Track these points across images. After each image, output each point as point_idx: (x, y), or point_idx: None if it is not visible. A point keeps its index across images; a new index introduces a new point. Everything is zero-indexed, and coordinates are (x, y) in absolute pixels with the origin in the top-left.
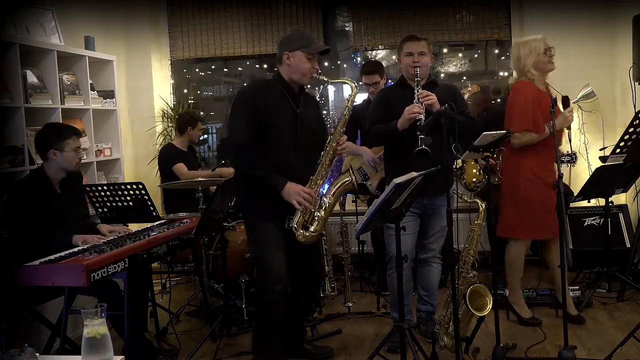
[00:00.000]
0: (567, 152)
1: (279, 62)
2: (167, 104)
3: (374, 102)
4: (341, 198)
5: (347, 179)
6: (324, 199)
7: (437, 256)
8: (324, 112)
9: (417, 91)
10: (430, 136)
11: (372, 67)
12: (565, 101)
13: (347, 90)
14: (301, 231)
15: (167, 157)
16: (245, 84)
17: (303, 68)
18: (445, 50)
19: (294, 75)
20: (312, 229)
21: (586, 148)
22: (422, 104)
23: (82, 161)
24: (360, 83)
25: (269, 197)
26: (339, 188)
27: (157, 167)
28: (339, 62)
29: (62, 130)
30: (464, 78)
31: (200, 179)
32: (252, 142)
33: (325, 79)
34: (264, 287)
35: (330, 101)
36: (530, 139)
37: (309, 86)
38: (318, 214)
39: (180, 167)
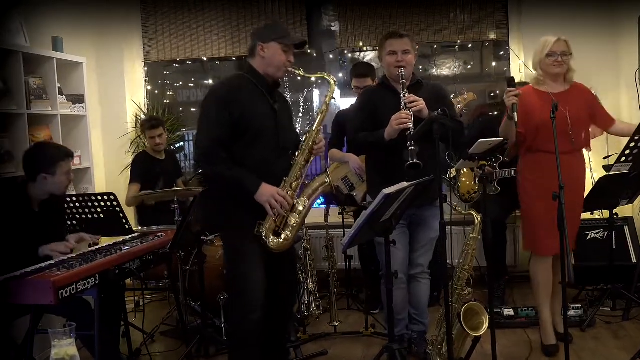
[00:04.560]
0: None
1: (251, 54)
2: (141, 109)
3: (357, 106)
4: (325, 209)
5: (325, 180)
6: (299, 202)
7: (426, 271)
8: (308, 116)
9: (404, 96)
10: (417, 143)
11: (364, 70)
12: (510, 82)
13: (334, 93)
14: (272, 238)
15: (133, 168)
16: (216, 81)
17: (278, 60)
18: (438, 52)
19: (268, 68)
20: (284, 235)
21: (589, 156)
22: (409, 111)
23: None
24: (352, 88)
25: (246, 208)
26: (315, 191)
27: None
28: (324, 64)
29: (54, 153)
30: (458, 81)
31: (141, 195)
32: (225, 141)
33: (301, 73)
34: (240, 313)
35: (315, 106)
36: (503, 128)
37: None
38: (292, 218)
39: (130, 188)
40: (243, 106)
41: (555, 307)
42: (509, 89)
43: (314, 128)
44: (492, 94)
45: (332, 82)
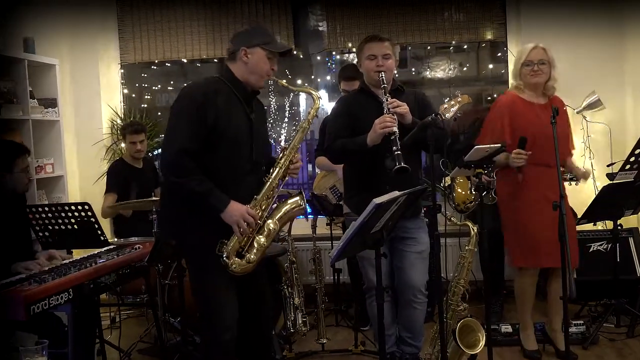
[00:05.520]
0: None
1: (231, 58)
2: (117, 113)
3: (334, 113)
4: (312, 224)
5: (299, 203)
6: (268, 223)
7: (423, 293)
8: (294, 122)
9: (386, 100)
10: (402, 150)
11: (353, 73)
12: (521, 143)
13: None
14: (235, 259)
15: (109, 176)
16: (189, 83)
17: (261, 68)
18: (432, 53)
19: (250, 75)
20: (249, 257)
21: (592, 164)
22: (393, 114)
23: None
24: (340, 91)
25: (211, 224)
26: (286, 213)
27: None
28: (311, 66)
29: (8, 149)
30: (453, 84)
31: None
32: (195, 149)
33: (285, 85)
34: (211, 337)
35: (301, 111)
36: (498, 159)
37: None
38: (258, 240)
39: (106, 198)
40: (218, 113)
41: (556, 323)
42: (519, 149)
43: (292, 146)
44: (489, 98)
45: (317, 98)
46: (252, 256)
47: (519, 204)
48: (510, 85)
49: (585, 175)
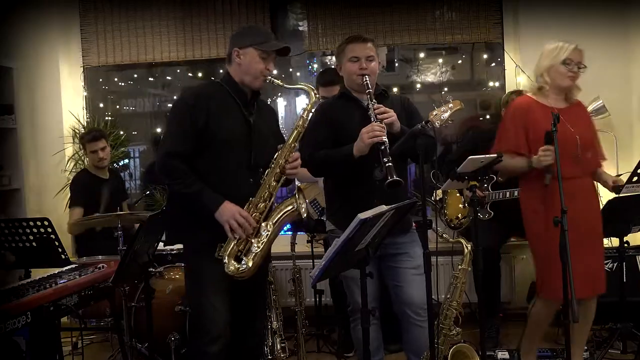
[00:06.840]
0: None
1: (228, 60)
2: (79, 121)
3: (314, 120)
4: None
5: (292, 205)
6: (263, 226)
7: (424, 308)
8: None
9: (372, 107)
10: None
11: (332, 77)
12: (548, 137)
13: (300, 103)
14: (233, 263)
15: (74, 189)
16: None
17: (255, 69)
18: (422, 55)
19: (244, 76)
20: (244, 262)
21: None
22: (381, 123)
23: None
24: (319, 98)
25: (206, 226)
26: (282, 215)
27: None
28: (290, 70)
29: None
30: (445, 89)
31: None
32: (185, 152)
33: (280, 84)
34: (197, 345)
35: (280, 117)
36: (515, 166)
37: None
38: (255, 244)
39: (72, 213)
40: (209, 116)
41: (577, 355)
42: (546, 146)
43: (287, 144)
44: (485, 103)
45: (313, 94)
46: (248, 261)
47: (549, 225)
48: (528, 88)
49: (617, 186)
